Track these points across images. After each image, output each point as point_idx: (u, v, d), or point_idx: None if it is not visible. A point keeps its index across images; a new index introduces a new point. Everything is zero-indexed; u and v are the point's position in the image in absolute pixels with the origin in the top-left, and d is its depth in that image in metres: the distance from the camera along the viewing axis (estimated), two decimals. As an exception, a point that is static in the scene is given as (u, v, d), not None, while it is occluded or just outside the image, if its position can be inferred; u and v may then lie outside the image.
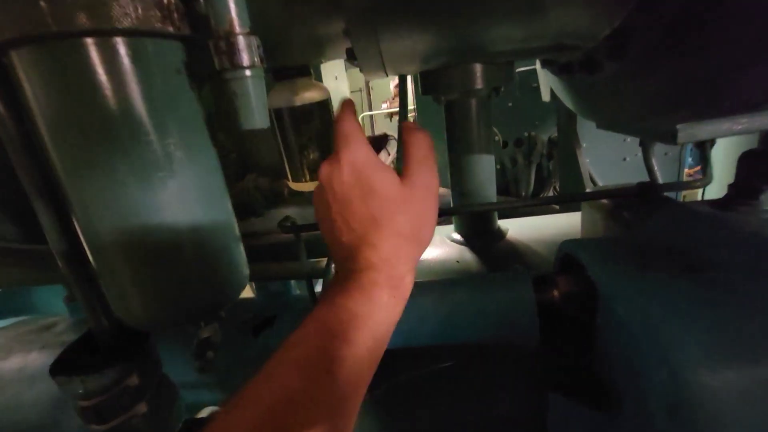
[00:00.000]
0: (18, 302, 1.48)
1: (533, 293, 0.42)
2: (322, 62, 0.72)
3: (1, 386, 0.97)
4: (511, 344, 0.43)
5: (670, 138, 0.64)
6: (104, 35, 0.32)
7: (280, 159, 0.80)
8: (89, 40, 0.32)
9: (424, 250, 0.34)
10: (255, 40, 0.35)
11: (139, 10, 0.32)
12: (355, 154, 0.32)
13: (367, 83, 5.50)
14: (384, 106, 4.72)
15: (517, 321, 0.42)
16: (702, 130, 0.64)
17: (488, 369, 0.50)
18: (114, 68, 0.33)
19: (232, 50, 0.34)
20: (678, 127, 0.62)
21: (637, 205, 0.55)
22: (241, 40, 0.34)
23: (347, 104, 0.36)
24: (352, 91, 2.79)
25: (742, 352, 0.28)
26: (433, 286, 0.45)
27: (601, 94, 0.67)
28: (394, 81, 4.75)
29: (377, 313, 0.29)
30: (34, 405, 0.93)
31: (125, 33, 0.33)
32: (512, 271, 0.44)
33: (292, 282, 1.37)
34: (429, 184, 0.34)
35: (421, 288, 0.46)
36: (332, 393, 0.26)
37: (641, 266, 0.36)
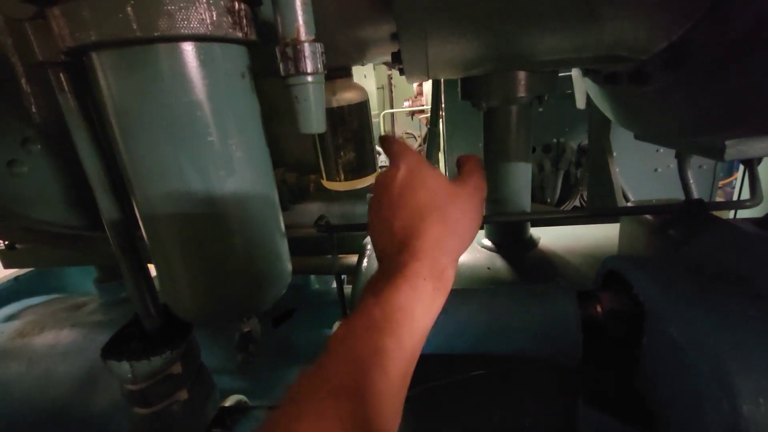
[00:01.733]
0: (50, 281, 1.55)
1: (578, 309, 0.41)
2: (363, 64, 0.73)
3: (35, 360, 1.02)
4: (551, 359, 0.43)
5: (717, 153, 0.61)
6: (180, 40, 0.33)
7: (314, 156, 0.81)
8: (165, 45, 0.33)
9: (465, 248, 0.35)
10: (320, 47, 0.36)
11: (214, 17, 0.33)
12: (409, 159, 0.35)
13: (389, 81, 5.48)
14: (406, 104, 4.70)
15: (560, 336, 0.42)
16: (752, 147, 0.61)
17: (521, 381, 0.50)
18: (185, 71, 0.34)
19: (298, 57, 0.35)
20: (727, 143, 0.60)
21: (683, 223, 0.53)
22: (307, 48, 0.35)
23: (387, 137, 0.40)
24: (375, 88, 2.79)
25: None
26: (473, 295, 0.45)
27: (647, 106, 0.66)
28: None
29: (421, 306, 0.29)
30: (65, 380, 0.98)
31: (198, 38, 0.34)
32: (554, 284, 0.44)
33: (312, 276, 1.40)
34: (478, 185, 0.37)
35: (460, 296, 0.46)
36: (383, 386, 0.26)
37: (698, 289, 0.36)
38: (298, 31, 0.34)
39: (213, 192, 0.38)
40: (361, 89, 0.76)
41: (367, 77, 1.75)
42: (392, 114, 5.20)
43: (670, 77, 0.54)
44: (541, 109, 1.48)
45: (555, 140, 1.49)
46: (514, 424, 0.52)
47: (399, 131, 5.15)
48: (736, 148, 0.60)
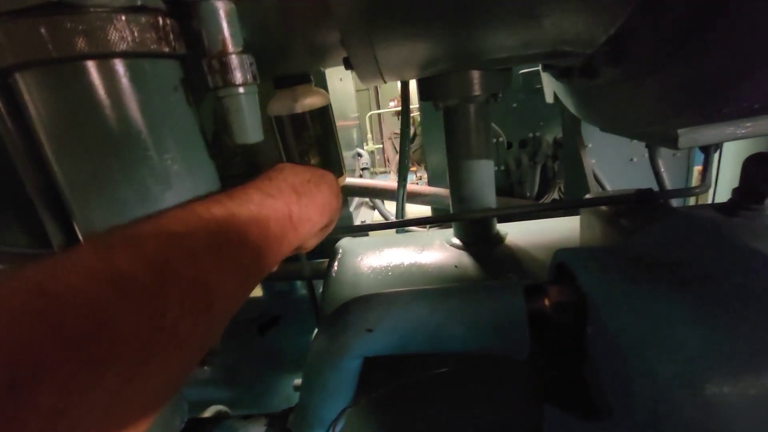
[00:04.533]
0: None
1: (524, 303, 0.42)
2: (322, 69, 0.73)
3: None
4: (502, 354, 0.43)
5: (671, 143, 0.63)
6: (103, 58, 0.33)
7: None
8: (89, 63, 0.33)
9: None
10: (248, 59, 0.36)
11: (135, 33, 0.33)
12: None
13: (374, 82, 5.49)
14: (392, 104, 4.71)
15: (508, 331, 0.42)
16: (704, 134, 0.63)
17: (484, 378, 0.50)
18: (113, 88, 0.34)
19: (225, 69, 0.35)
20: (679, 131, 0.61)
21: (636, 213, 0.54)
22: (234, 60, 0.35)
23: None
24: (358, 90, 2.79)
25: (727, 367, 0.29)
26: (427, 294, 0.46)
27: (600, 99, 0.67)
28: (401, 79, 4.72)
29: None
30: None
31: (123, 55, 0.34)
32: (505, 279, 0.45)
33: (298, 282, 1.39)
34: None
35: (415, 295, 0.47)
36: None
37: (632, 278, 0.36)
38: (224, 44, 0.35)
39: (151, 208, 0.38)
40: (323, 94, 0.76)
41: (343, 80, 1.75)
42: (379, 115, 5.21)
43: (615, 71, 0.55)
44: (515, 105, 1.50)
45: (531, 135, 1.51)
46: (479, 425, 0.52)
47: (386, 132, 5.16)
48: (688, 136, 0.61)
